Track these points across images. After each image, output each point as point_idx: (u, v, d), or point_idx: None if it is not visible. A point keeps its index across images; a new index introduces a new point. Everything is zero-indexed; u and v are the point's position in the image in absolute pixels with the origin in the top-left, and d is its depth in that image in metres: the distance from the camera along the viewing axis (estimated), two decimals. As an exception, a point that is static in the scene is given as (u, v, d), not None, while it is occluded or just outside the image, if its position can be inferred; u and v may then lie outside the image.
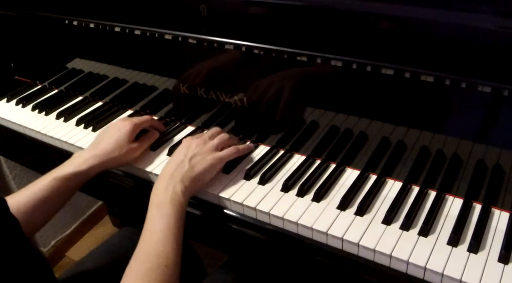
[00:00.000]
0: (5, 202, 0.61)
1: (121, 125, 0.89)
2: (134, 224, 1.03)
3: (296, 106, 0.84)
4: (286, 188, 0.79)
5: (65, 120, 1.06)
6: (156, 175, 0.86)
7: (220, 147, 0.83)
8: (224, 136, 0.86)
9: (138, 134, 0.92)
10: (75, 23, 1.01)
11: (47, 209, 0.79)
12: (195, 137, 0.85)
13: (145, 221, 0.71)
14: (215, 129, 0.88)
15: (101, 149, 0.85)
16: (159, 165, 0.88)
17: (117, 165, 0.88)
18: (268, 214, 0.75)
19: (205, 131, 0.91)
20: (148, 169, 0.88)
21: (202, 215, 0.82)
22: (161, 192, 0.73)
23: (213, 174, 0.80)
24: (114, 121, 0.93)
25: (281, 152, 0.89)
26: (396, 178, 0.80)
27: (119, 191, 0.95)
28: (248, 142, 0.93)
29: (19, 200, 0.77)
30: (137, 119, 0.91)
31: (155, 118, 1.04)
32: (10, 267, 0.58)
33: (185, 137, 0.96)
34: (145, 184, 0.89)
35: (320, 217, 0.73)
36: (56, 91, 1.21)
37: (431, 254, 0.66)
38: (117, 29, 0.96)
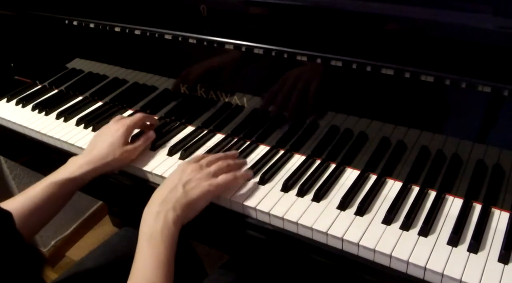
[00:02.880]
0: (11, 217, 0.61)
1: (114, 129, 0.88)
2: (134, 224, 1.03)
3: (297, 106, 0.84)
4: (286, 188, 0.79)
5: (65, 120, 1.06)
6: (156, 175, 0.86)
7: (217, 174, 0.78)
8: (222, 163, 0.81)
9: (136, 135, 0.92)
10: (75, 23, 1.01)
11: (43, 214, 0.80)
12: (192, 161, 0.81)
13: (135, 254, 0.68)
14: (213, 156, 0.83)
15: (94, 155, 0.85)
16: (159, 165, 0.88)
17: (112, 170, 0.88)
18: (268, 214, 0.75)
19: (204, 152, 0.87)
20: (148, 169, 0.88)
21: (202, 215, 0.82)
22: (152, 220, 0.70)
23: (208, 201, 0.76)
24: (108, 123, 0.92)
25: (281, 152, 0.89)
26: (396, 178, 0.80)
27: (119, 191, 0.95)
28: (248, 143, 0.93)
29: (15, 205, 0.76)
30: (129, 121, 0.90)
31: (155, 117, 1.04)
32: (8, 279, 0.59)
33: (185, 137, 0.96)
34: (145, 184, 0.89)
35: (320, 217, 0.73)
36: (56, 91, 1.21)
37: (431, 254, 0.66)
38: (117, 29, 0.96)
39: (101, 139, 0.87)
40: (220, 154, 0.86)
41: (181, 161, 0.89)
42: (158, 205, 0.71)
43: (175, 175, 0.77)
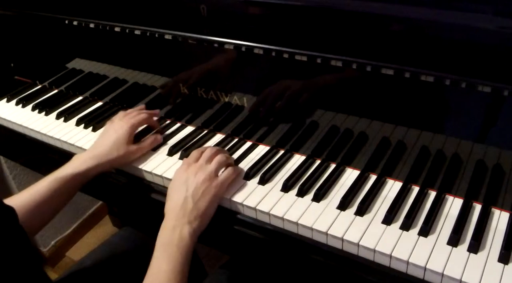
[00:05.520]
0: (14, 213, 0.62)
1: (118, 126, 0.90)
2: (134, 224, 1.03)
3: (297, 106, 0.84)
4: (286, 188, 0.79)
5: (65, 120, 1.06)
6: (156, 175, 0.86)
7: (218, 171, 0.79)
8: (221, 158, 0.80)
9: (141, 135, 0.93)
10: (75, 23, 1.01)
11: (47, 210, 0.80)
12: (191, 163, 0.80)
13: (151, 262, 0.69)
14: (210, 151, 0.82)
15: (99, 151, 0.86)
16: (159, 165, 0.88)
17: (115, 166, 0.89)
18: (268, 214, 0.75)
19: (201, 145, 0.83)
20: (148, 169, 0.88)
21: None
22: (168, 232, 0.71)
23: (217, 203, 0.77)
24: (112, 119, 0.94)
25: (281, 152, 0.89)
26: (396, 178, 0.80)
27: (119, 191, 0.95)
28: (248, 143, 0.93)
29: (19, 201, 0.77)
30: (134, 119, 0.92)
31: (157, 112, 1.04)
32: (12, 276, 0.59)
33: (184, 137, 0.96)
34: (145, 184, 0.89)
35: (320, 217, 0.73)
36: (56, 91, 1.21)
37: (431, 254, 0.66)
38: (117, 29, 0.96)
39: (106, 136, 0.89)
40: (214, 148, 0.85)
41: (181, 161, 0.89)
42: (174, 220, 0.72)
43: (180, 186, 0.76)
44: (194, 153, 0.83)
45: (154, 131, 0.97)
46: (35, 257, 0.65)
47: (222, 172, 0.80)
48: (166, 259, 0.68)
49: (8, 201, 0.77)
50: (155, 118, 1.01)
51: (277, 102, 0.85)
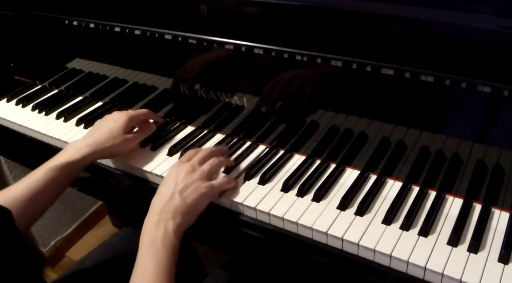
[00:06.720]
0: (10, 215, 0.62)
1: (117, 116, 0.89)
2: (134, 224, 1.03)
3: (297, 106, 0.84)
4: (286, 188, 0.79)
5: (65, 120, 1.07)
6: (156, 175, 0.86)
7: (211, 173, 0.78)
8: (214, 161, 0.80)
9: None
10: (75, 23, 1.01)
11: (43, 199, 0.79)
12: (184, 161, 0.79)
13: (136, 261, 0.67)
14: (204, 152, 0.82)
15: (95, 138, 0.85)
16: (159, 165, 0.88)
17: (110, 155, 0.88)
18: (268, 214, 0.75)
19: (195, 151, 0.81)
20: (148, 169, 0.88)
21: (202, 215, 0.82)
22: (152, 229, 0.69)
23: (205, 204, 0.75)
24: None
25: (281, 152, 0.89)
26: (396, 178, 0.80)
27: (119, 191, 0.95)
28: (248, 143, 0.93)
29: (15, 192, 0.77)
30: (133, 112, 0.91)
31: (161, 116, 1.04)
32: (8, 279, 0.59)
33: (185, 137, 0.96)
34: (145, 184, 0.89)
35: (320, 217, 0.73)
36: (56, 91, 1.21)
37: (431, 254, 0.66)
38: (117, 29, 0.96)
39: (102, 124, 0.88)
40: (212, 149, 0.84)
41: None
42: (158, 215, 0.71)
43: (170, 181, 0.75)
44: (189, 153, 0.82)
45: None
46: (32, 259, 0.65)
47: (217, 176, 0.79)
48: (152, 256, 0.66)
49: (3, 193, 0.76)
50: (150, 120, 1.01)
51: (277, 100, 0.85)
